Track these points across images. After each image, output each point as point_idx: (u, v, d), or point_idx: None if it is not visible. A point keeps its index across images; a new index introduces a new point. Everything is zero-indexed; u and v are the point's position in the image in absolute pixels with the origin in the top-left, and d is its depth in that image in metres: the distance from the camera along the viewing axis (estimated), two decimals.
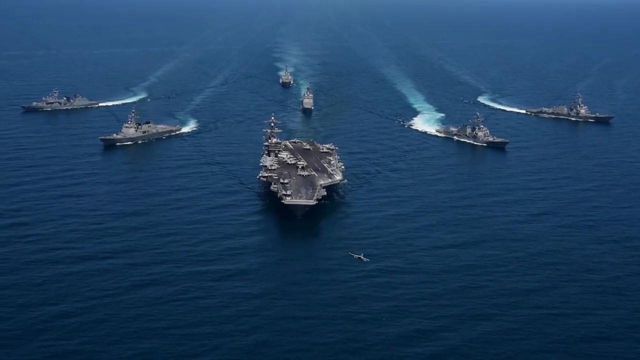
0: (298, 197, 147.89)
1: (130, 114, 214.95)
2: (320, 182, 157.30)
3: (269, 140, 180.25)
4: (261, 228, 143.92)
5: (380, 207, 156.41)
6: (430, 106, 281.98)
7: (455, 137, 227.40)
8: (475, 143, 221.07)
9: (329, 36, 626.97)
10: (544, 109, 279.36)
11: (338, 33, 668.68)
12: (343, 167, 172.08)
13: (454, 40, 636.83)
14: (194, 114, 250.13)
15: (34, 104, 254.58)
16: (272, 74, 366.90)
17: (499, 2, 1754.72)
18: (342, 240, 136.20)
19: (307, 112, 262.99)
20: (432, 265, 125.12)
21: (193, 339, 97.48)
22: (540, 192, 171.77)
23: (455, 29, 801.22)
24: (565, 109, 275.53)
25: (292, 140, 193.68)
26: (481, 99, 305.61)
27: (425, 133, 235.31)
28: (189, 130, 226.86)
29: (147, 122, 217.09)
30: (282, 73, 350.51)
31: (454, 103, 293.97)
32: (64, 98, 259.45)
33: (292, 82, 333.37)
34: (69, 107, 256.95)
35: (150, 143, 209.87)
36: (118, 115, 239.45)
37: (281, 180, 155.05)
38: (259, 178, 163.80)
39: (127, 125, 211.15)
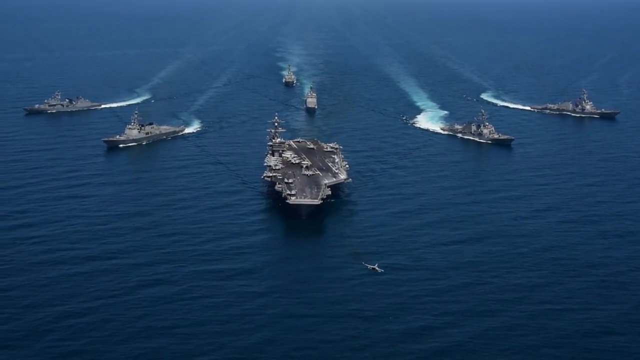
0: (303, 197, 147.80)
1: (133, 115, 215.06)
2: (325, 182, 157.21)
3: (273, 140, 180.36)
4: (266, 228, 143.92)
5: (385, 205, 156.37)
6: (434, 104, 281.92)
7: (460, 135, 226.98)
8: (480, 140, 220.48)
9: (331, 35, 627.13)
10: (549, 106, 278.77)
11: (340, 32, 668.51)
12: (347, 166, 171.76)
13: (456, 37, 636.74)
14: (198, 115, 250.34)
15: (37, 106, 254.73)
16: (275, 73, 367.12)
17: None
18: (347, 238, 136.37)
19: (310, 111, 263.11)
20: (437, 262, 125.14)
21: (199, 337, 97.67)
22: (547, 189, 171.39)
23: (457, 26, 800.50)
24: (570, 105, 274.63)
25: (296, 140, 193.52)
26: (485, 96, 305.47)
27: (429, 131, 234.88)
28: (193, 131, 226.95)
29: (150, 124, 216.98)
30: (285, 73, 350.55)
31: (457, 100, 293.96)
32: (67, 100, 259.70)
33: (295, 82, 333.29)
34: (72, 109, 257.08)
35: (153, 144, 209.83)
36: (121, 117, 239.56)
37: (285, 180, 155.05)
38: (263, 178, 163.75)
39: (130, 126, 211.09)
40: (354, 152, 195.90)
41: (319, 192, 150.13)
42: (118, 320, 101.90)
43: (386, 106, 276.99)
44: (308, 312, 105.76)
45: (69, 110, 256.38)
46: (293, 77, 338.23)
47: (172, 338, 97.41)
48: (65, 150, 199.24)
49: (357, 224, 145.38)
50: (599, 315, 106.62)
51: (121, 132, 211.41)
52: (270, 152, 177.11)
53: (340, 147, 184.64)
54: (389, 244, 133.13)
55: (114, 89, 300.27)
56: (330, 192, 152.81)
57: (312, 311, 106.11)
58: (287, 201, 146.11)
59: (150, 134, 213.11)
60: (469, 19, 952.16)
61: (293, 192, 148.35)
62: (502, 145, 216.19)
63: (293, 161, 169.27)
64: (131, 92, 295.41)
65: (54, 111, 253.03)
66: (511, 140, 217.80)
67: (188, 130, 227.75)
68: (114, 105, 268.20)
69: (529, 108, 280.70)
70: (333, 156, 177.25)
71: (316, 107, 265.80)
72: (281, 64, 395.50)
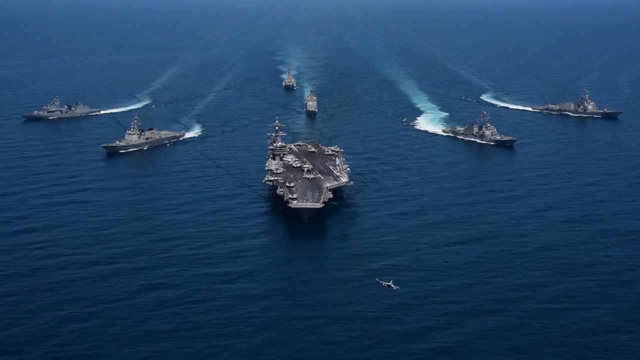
0: (304, 201, 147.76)
1: (133, 121, 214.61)
2: (326, 185, 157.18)
3: (274, 144, 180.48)
4: (267, 231, 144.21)
5: (387, 206, 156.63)
6: (434, 105, 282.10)
7: (463, 137, 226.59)
8: (482, 142, 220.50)
9: (331, 38, 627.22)
10: (550, 106, 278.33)
11: (340, 35, 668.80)
12: (349, 169, 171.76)
13: (455, 38, 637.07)
14: (198, 119, 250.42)
15: (35, 112, 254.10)
16: (275, 77, 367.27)
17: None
18: (349, 240, 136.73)
19: (311, 114, 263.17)
20: (439, 262, 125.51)
21: (201, 340, 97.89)
22: (551, 189, 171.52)
23: (455, 27, 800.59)
24: (572, 105, 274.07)
25: (297, 143, 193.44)
26: (485, 97, 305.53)
27: (431, 133, 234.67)
28: (193, 136, 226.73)
29: (150, 129, 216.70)
30: (285, 76, 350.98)
31: (457, 102, 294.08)
32: (65, 106, 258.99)
33: (295, 85, 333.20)
34: (71, 115, 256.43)
35: (153, 149, 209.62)
36: (121, 122, 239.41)
37: (287, 184, 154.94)
38: (264, 182, 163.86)
39: (130, 132, 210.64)
40: (355, 155, 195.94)
41: (321, 195, 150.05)
42: (121, 324, 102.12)
43: (386, 108, 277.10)
44: (310, 314, 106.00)
45: (67, 116, 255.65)
46: (293, 80, 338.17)
47: (175, 341, 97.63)
48: (65, 156, 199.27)
49: (359, 225, 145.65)
50: (600, 314, 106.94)
51: (121, 138, 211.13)
52: (271, 155, 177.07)
53: (341, 150, 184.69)
54: (391, 245, 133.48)
55: (114, 95, 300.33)
56: (331, 196, 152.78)
57: (314, 313, 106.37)
58: (289, 205, 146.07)
59: (150, 139, 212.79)
60: (467, 20, 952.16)
61: (294, 195, 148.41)
62: (504, 146, 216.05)
63: (294, 165, 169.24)
64: (131, 97, 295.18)
65: (52, 117, 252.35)
66: (514, 141, 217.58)
67: (188, 135, 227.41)
68: (113, 110, 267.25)
69: (530, 109, 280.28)
70: (334, 159, 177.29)
71: (316, 110, 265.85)
72: (281, 68, 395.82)
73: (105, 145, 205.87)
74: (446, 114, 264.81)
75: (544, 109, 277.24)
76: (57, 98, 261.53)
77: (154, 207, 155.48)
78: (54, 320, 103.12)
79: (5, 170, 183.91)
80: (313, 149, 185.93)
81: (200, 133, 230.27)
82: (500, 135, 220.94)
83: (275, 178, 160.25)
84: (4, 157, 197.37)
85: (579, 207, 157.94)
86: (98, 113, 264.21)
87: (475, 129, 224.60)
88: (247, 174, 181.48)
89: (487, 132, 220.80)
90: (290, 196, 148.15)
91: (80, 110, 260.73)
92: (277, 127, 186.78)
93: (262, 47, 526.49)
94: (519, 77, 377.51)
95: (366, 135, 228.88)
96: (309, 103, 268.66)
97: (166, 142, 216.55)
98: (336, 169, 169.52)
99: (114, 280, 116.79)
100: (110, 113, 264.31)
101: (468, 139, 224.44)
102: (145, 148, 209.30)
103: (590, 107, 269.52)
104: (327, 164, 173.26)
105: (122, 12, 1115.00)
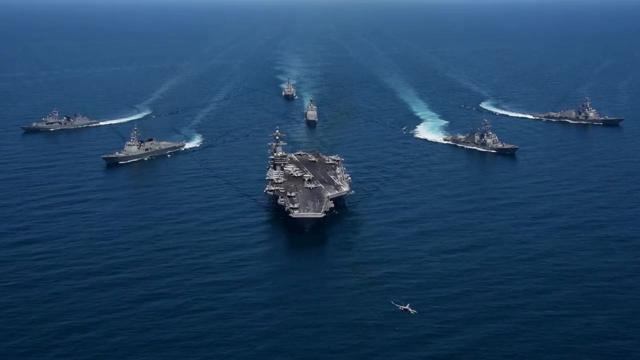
0: (305, 210, 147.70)
1: (132, 132, 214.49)
2: (328, 194, 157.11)
3: (274, 154, 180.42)
4: (269, 240, 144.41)
5: (388, 215, 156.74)
6: (434, 114, 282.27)
7: (464, 145, 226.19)
8: (484, 150, 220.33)
9: (330, 47, 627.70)
10: (551, 114, 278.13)
11: (339, 44, 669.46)
12: (349, 178, 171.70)
13: (454, 47, 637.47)
14: (198, 130, 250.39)
15: (34, 124, 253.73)
16: (274, 86, 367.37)
17: (493, 3, 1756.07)
18: (350, 249, 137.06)
19: (311, 124, 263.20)
20: (440, 270, 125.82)
21: (204, 349, 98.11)
22: (552, 196, 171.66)
23: (454, 36, 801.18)
24: (573, 112, 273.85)
25: (298, 153, 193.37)
26: (484, 105, 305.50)
27: (432, 141, 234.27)
28: (194, 146, 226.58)
29: (150, 140, 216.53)
30: (284, 86, 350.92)
31: (457, 110, 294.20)
32: (64, 118, 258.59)
33: (295, 95, 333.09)
34: (70, 127, 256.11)
35: (153, 160, 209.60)
36: (121, 133, 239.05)
37: (288, 194, 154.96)
38: (265, 192, 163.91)
39: (129, 143, 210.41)
40: (355, 164, 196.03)
41: (322, 205, 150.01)
42: (122, 334, 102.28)
43: (386, 117, 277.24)
44: (312, 322, 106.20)
45: (66, 128, 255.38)
46: (293, 90, 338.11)
47: (177, 351, 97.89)
48: (64, 168, 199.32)
49: (360, 233, 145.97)
50: (601, 320, 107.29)
51: (121, 149, 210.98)
52: (271, 165, 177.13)
53: (342, 159, 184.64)
54: (392, 253, 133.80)
55: (113, 106, 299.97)
56: (333, 205, 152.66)
57: (315, 321, 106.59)
58: (290, 215, 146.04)
59: (149, 150, 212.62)
60: (465, 28, 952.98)
61: (296, 205, 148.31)
62: (506, 154, 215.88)
63: (295, 174, 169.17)
64: (131, 108, 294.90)
65: (52, 129, 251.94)
66: (515, 149, 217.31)
67: (188, 145, 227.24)
68: (113, 122, 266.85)
69: (530, 116, 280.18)
70: (335, 168, 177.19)
71: (316, 119, 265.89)
72: (280, 77, 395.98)
73: (105, 156, 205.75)
74: (446, 122, 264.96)
75: (544, 117, 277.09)
76: (56, 109, 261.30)
77: (155, 217, 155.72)
78: (56, 330, 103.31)
79: (6, 181, 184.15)
80: (314, 159, 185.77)
81: (200, 143, 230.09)
82: (501, 143, 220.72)
83: (276, 188, 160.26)
84: (4, 168, 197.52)
85: (579, 213, 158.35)
86: (97, 124, 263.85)
87: (477, 137, 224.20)
88: (248, 183, 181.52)
89: (489, 140, 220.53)
90: (291, 206, 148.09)
91: (79, 121, 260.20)
92: (277, 137, 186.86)
93: (261, 57, 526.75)
94: (517, 85, 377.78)
95: (366, 144, 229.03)
96: (309, 112, 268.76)
97: (167, 152, 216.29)
98: (337, 178, 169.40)
99: (116, 290, 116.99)
100: (110, 124, 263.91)
101: (469, 147, 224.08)
102: (145, 159, 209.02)
103: (591, 114, 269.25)
104: (327, 173, 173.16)
105: (121, 24, 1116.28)
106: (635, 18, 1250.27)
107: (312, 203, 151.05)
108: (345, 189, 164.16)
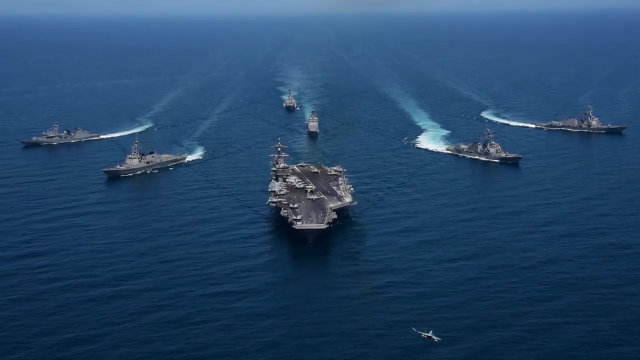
0: (309, 222, 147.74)
1: (133, 145, 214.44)
2: (330, 205, 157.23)
3: (277, 165, 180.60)
4: (271, 251, 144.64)
5: (391, 225, 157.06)
6: (435, 123, 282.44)
7: (467, 155, 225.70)
8: (487, 159, 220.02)
9: (330, 58, 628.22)
10: (554, 122, 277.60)
11: (339, 55, 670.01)
12: (352, 189, 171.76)
13: (454, 57, 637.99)
14: (200, 142, 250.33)
15: (34, 138, 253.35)
16: (275, 98, 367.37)
17: (493, 14, 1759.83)
18: (353, 259, 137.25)
19: (312, 135, 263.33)
20: (442, 279, 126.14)
21: None
22: (557, 206, 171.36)
23: (453, 46, 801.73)
24: (576, 121, 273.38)
25: (300, 164, 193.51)
26: (485, 114, 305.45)
27: (435, 151, 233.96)
28: (195, 158, 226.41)
29: (151, 152, 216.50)
30: (285, 97, 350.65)
31: (458, 119, 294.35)
32: (65, 132, 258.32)
33: (296, 106, 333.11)
34: (70, 141, 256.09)
35: (155, 173, 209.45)
36: (123, 146, 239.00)
37: (291, 205, 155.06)
38: (268, 203, 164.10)
39: (130, 156, 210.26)
40: (357, 174, 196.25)
41: (325, 216, 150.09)
42: (127, 345, 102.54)
43: (388, 127, 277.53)
44: (315, 332, 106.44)
45: (67, 141, 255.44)
46: (294, 101, 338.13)
47: None
48: (66, 181, 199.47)
49: (363, 243, 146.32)
50: (603, 327, 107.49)
51: (122, 162, 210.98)
52: (274, 177, 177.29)
53: (344, 170, 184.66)
54: (395, 262, 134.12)
55: (115, 119, 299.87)
56: (336, 216, 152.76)
57: (319, 331, 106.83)
58: (293, 226, 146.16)
59: (151, 163, 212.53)
60: (464, 38, 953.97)
61: (299, 217, 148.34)
62: (509, 163, 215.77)
63: (297, 186, 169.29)
64: (133, 121, 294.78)
65: (54, 143, 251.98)
66: (519, 158, 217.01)
67: (190, 157, 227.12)
68: (114, 135, 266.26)
69: (532, 125, 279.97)
70: (338, 179, 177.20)
71: (318, 130, 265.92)
72: (281, 89, 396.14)
73: (106, 169, 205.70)
74: (447, 131, 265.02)
75: (547, 126, 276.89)
76: (56, 123, 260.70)
77: (157, 228, 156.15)
78: (60, 343, 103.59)
79: (8, 195, 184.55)
80: (316, 170, 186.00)
81: (202, 156, 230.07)
82: (505, 153, 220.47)
83: (279, 199, 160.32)
84: (5, 182, 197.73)
85: (582, 221, 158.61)
86: (98, 138, 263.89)
87: (480, 147, 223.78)
88: (250, 195, 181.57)
89: (492, 150, 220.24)
90: (294, 217, 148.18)
91: (80, 135, 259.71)
92: (279, 149, 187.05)
93: (261, 69, 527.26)
94: (518, 94, 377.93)
95: (368, 155, 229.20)
96: (311, 124, 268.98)
97: (169, 165, 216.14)
98: (339, 189, 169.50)
99: (119, 302, 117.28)
100: (110, 137, 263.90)
101: (472, 156, 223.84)
102: (148, 172, 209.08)
103: (594, 122, 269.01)
104: (330, 184, 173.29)
105: (120, 37, 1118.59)
106: (633, 26, 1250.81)
107: (315, 214, 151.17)
108: (347, 199, 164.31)
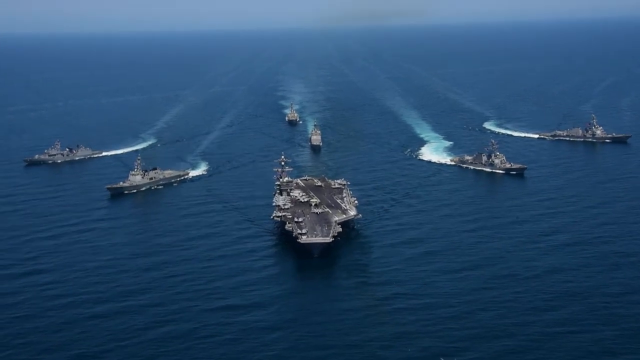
0: (314, 235, 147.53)
1: (136, 161, 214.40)
2: (335, 219, 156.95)
3: (280, 179, 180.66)
4: (276, 264, 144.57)
5: (395, 236, 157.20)
6: (438, 135, 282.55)
7: (471, 166, 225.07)
8: (492, 170, 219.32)
9: (331, 72, 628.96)
10: (558, 132, 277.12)
11: (340, 68, 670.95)
12: (356, 201, 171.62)
13: (455, 68, 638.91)
14: (203, 157, 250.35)
15: (37, 156, 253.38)
16: (278, 112, 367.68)
17: (493, 25, 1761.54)
18: (358, 270, 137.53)
19: (315, 149, 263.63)
20: (448, 289, 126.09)
21: None
22: (565, 216, 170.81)
23: (453, 57, 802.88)
24: (580, 130, 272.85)
25: (303, 178, 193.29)
26: (488, 125, 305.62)
27: (438, 163, 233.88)
28: (199, 174, 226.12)
29: (154, 169, 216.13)
30: (287, 111, 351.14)
31: (460, 130, 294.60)
32: (67, 149, 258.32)
33: (298, 120, 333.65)
34: (72, 158, 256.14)
35: (159, 189, 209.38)
36: (126, 163, 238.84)
37: (295, 219, 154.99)
38: (272, 218, 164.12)
39: (133, 172, 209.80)
40: (361, 186, 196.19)
41: (330, 229, 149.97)
42: None
43: (390, 139, 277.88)
44: (321, 344, 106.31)
45: (69, 159, 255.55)
46: (296, 115, 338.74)
47: None
48: (69, 198, 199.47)
49: (367, 255, 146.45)
50: (609, 335, 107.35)
51: (125, 179, 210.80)
52: (278, 191, 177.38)
53: (348, 182, 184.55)
54: (400, 273, 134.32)
55: (118, 136, 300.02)
56: (340, 229, 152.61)
57: (325, 342, 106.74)
58: (298, 240, 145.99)
59: (154, 179, 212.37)
60: (464, 50, 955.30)
61: (304, 231, 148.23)
62: (514, 174, 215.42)
63: (301, 200, 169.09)
64: (135, 137, 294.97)
65: (58, 161, 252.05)
66: (524, 169, 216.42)
67: (194, 173, 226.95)
68: (117, 152, 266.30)
69: (536, 136, 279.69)
70: (342, 192, 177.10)
71: (321, 144, 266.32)
72: (283, 103, 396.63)
73: (110, 186, 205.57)
74: (450, 143, 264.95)
75: (550, 135, 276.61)
76: (59, 141, 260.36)
77: (162, 243, 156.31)
78: (67, 359, 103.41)
79: (11, 213, 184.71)
80: (320, 183, 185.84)
81: (205, 171, 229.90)
82: (509, 163, 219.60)
83: (284, 214, 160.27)
84: (9, 200, 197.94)
85: (586, 229, 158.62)
86: (100, 155, 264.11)
87: (484, 158, 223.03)
88: (254, 209, 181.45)
89: (497, 161, 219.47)
90: (299, 231, 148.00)
91: (82, 152, 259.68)
92: (283, 163, 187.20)
93: (263, 83, 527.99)
94: (520, 104, 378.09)
95: (371, 167, 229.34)
96: (314, 137, 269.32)
97: (173, 181, 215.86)
98: (344, 202, 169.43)
99: (125, 317, 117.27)
100: (113, 154, 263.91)
101: (477, 167, 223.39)
102: (151, 188, 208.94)
103: (599, 132, 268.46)
104: (334, 197, 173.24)
105: (121, 54, 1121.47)
106: (635, 35, 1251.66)
107: (320, 228, 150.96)
108: (352, 212, 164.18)
